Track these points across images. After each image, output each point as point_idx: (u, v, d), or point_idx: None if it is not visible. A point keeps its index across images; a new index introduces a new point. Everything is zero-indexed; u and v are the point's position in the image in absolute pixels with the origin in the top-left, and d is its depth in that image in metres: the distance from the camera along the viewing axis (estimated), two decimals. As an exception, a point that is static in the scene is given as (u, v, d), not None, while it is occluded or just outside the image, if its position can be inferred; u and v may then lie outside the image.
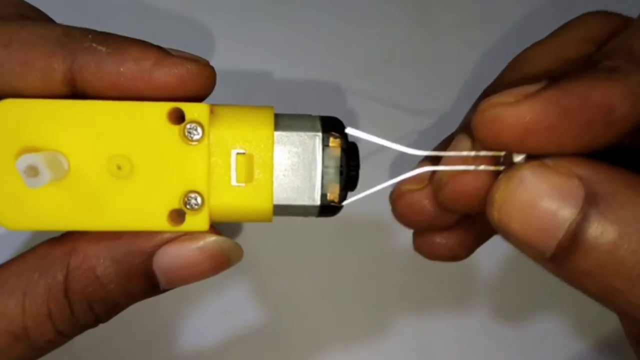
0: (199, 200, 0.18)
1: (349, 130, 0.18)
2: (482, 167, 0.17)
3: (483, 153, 0.17)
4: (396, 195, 0.21)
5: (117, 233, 0.18)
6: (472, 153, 0.17)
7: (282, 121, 0.19)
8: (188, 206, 0.18)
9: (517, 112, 0.15)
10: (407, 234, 0.32)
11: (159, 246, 0.19)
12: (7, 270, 0.18)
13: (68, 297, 0.18)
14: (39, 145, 0.17)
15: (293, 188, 0.19)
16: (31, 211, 0.17)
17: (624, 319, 0.22)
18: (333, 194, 0.19)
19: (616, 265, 0.14)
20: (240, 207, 0.18)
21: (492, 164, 0.17)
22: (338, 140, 0.19)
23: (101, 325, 0.20)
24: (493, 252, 0.32)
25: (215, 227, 0.19)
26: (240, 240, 0.31)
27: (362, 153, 0.19)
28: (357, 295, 0.33)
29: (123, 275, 0.19)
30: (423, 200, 0.20)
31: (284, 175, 0.19)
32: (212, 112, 0.18)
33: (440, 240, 0.21)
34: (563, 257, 0.15)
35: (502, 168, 0.17)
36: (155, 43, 0.19)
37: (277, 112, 0.19)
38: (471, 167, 0.17)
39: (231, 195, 0.18)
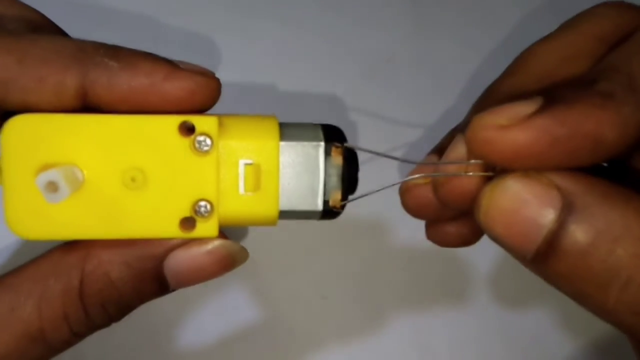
0: (209, 208, 0.19)
1: (348, 145, 0.19)
2: (471, 174, 0.18)
3: (473, 161, 0.18)
4: (404, 189, 0.22)
5: (130, 240, 0.19)
6: (464, 162, 0.18)
7: (286, 131, 0.20)
8: (198, 214, 0.19)
9: (508, 139, 0.16)
10: (406, 234, 0.33)
11: (170, 251, 0.19)
12: (22, 275, 0.19)
13: (83, 300, 0.19)
14: (54, 158, 0.18)
15: (297, 195, 0.20)
16: (48, 222, 0.18)
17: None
18: (335, 200, 0.20)
19: (587, 271, 0.15)
20: (248, 214, 0.19)
21: (485, 169, 0.18)
22: (339, 149, 0.20)
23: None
24: (492, 251, 0.33)
25: (222, 231, 0.20)
26: (241, 240, 0.32)
27: (363, 154, 0.20)
28: (357, 295, 0.33)
29: (136, 279, 0.19)
30: (429, 194, 0.21)
31: (289, 183, 0.20)
32: (220, 123, 0.19)
33: (451, 229, 0.22)
34: (541, 261, 0.16)
35: (491, 174, 0.18)
36: (158, 51, 0.19)
37: (280, 118, 0.20)
38: (462, 173, 0.18)
39: (239, 203, 0.19)
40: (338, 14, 0.35)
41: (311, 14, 0.35)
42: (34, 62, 0.17)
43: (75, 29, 0.22)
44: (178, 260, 0.20)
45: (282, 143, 0.19)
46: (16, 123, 0.18)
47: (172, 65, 0.19)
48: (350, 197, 0.20)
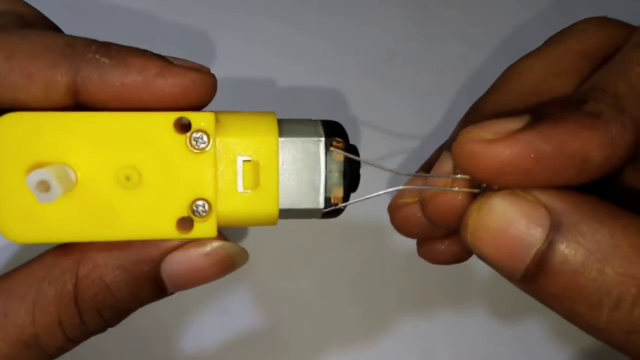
0: (207, 207, 0.18)
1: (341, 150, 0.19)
2: (456, 189, 0.18)
3: (460, 176, 0.18)
4: (393, 209, 0.22)
5: (125, 242, 0.18)
6: (451, 176, 0.18)
7: (285, 127, 0.19)
8: (196, 214, 0.18)
9: (493, 153, 0.16)
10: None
11: (167, 253, 0.19)
12: (15, 279, 0.18)
13: (78, 305, 0.18)
14: (45, 158, 0.17)
15: (298, 192, 0.19)
16: (40, 224, 0.17)
17: None
18: (337, 197, 0.19)
19: (578, 290, 0.15)
20: (247, 213, 0.19)
21: (471, 186, 0.18)
22: (340, 145, 0.19)
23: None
24: None
25: (221, 231, 0.19)
26: (240, 240, 0.31)
27: (363, 155, 0.20)
28: (357, 295, 0.33)
29: (132, 283, 0.19)
30: (418, 213, 0.21)
31: (289, 180, 0.19)
32: (217, 120, 0.18)
33: (443, 247, 0.22)
34: (530, 280, 0.16)
35: (477, 191, 0.18)
36: (155, 48, 0.19)
37: (279, 116, 0.19)
38: (447, 189, 0.18)
39: (238, 201, 0.19)
40: (338, 13, 0.35)
41: (311, 13, 0.35)
42: (22, 58, 0.17)
43: (70, 26, 0.21)
44: (175, 263, 0.19)
45: (282, 139, 0.19)
46: (5, 122, 0.17)
47: (165, 61, 0.18)
48: (351, 199, 0.20)
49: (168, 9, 0.34)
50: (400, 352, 0.33)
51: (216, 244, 0.19)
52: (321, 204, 0.19)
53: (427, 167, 0.21)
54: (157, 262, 0.19)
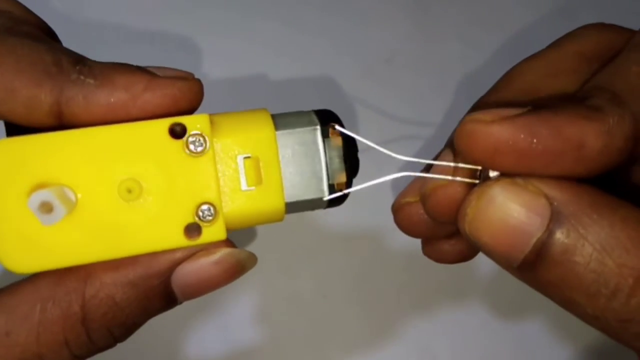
0: (212, 210, 0.18)
1: (339, 128, 0.19)
2: (458, 179, 0.18)
3: (461, 165, 0.18)
4: (396, 208, 0.22)
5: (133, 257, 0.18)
6: (452, 164, 0.18)
7: (280, 120, 0.19)
8: (202, 218, 0.18)
9: (489, 131, 0.16)
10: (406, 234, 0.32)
11: (177, 264, 0.18)
12: (17, 296, 0.18)
13: (86, 324, 0.18)
14: (42, 181, 0.17)
15: (301, 184, 0.19)
16: (44, 250, 0.17)
17: None
18: (340, 183, 0.19)
19: (576, 280, 0.15)
20: (253, 210, 0.18)
21: (471, 177, 0.18)
22: (337, 130, 0.19)
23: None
24: None
25: (228, 237, 0.19)
26: (240, 240, 0.31)
27: (364, 146, 0.20)
28: (358, 295, 0.33)
29: (142, 298, 0.18)
30: (420, 211, 0.21)
31: (290, 172, 0.19)
32: (211, 121, 0.18)
33: (448, 247, 0.22)
34: (529, 269, 0.16)
35: (477, 181, 0.18)
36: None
37: (273, 112, 0.19)
38: (447, 177, 0.18)
39: (243, 200, 0.18)
40: (338, 13, 0.35)
41: (311, 14, 0.35)
42: (6, 71, 0.17)
43: (65, 25, 0.21)
44: (185, 274, 0.19)
45: (278, 132, 0.19)
46: None
47: (150, 75, 0.18)
48: (353, 185, 0.20)
49: (164, 8, 0.33)
50: (400, 352, 0.33)
51: (225, 251, 0.19)
52: (326, 192, 0.19)
53: (430, 167, 0.21)
54: (167, 275, 0.18)
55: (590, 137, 0.16)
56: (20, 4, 0.20)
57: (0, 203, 0.16)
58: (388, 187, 0.19)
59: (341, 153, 0.19)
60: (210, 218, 0.18)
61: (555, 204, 0.16)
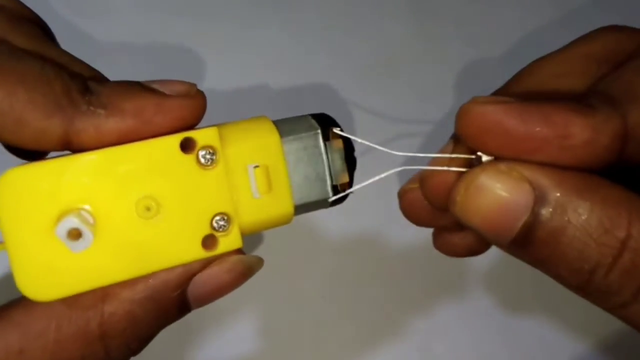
0: (227, 220, 0.18)
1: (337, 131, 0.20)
2: (453, 169, 0.19)
3: (455, 155, 0.19)
4: (401, 193, 0.23)
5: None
6: (448, 155, 0.19)
7: (281, 127, 0.20)
8: (218, 229, 0.18)
9: (482, 110, 0.17)
10: (406, 235, 0.34)
11: (193, 275, 0.19)
12: (32, 314, 0.18)
13: (104, 342, 0.18)
14: (60, 207, 0.16)
15: (306, 186, 0.20)
16: (67, 276, 0.17)
17: None
18: (343, 183, 0.20)
19: (561, 258, 0.17)
20: (265, 216, 0.19)
21: (468, 165, 0.19)
22: (336, 132, 0.20)
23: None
24: (494, 252, 0.33)
25: None
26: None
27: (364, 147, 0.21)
28: (357, 296, 0.33)
29: (161, 311, 0.19)
30: (421, 198, 0.22)
31: (297, 177, 0.20)
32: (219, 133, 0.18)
33: (458, 240, 0.23)
34: (518, 247, 0.18)
35: (465, 169, 0.19)
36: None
37: (272, 112, 0.20)
38: (443, 168, 0.19)
39: (256, 207, 0.19)
40: (337, 13, 0.35)
41: (310, 15, 0.34)
42: (17, 102, 0.16)
43: (68, 33, 0.20)
44: (201, 285, 0.19)
45: (283, 139, 0.19)
46: (8, 179, 0.16)
47: (158, 97, 0.18)
48: (354, 185, 0.21)
49: (164, 17, 0.33)
50: (400, 353, 0.33)
51: (236, 258, 0.19)
52: (330, 193, 0.20)
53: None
54: (184, 286, 0.19)
55: (576, 128, 0.17)
56: (27, 8, 0.19)
57: (16, 235, 0.16)
58: (388, 188, 0.20)
59: (342, 154, 0.20)
60: (226, 228, 0.18)
61: (539, 188, 0.17)
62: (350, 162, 0.20)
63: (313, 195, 0.20)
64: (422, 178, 0.21)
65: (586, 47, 0.21)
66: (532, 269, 0.18)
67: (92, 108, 0.17)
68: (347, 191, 0.20)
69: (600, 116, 0.17)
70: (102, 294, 0.18)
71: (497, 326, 0.34)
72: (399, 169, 0.20)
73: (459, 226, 0.23)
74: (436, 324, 0.34)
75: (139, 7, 0.33)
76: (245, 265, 0.20)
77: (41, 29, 0.20)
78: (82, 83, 0.17)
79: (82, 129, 0.17)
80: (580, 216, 0.17)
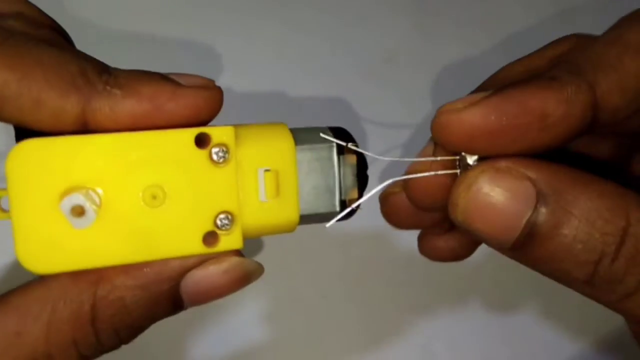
0: (231, 219, 0.18)
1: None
2: (440, 172, 0.19)
3: (440, 158, 0.19)
4: (382, 198, 0.23)
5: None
6: (431, 159, 0.20)
7: (298, 135, 0.20)
8: (221, 227, 0.18)
9: (461, 119, 0.17)
10: (406, 235, 0.34)
11: (187, 271, 0.19)
12: (29, 296, 0.18)
13: (95, 325, 0.18)
14: (68, 183, 0.17)
15: (315, 198, 0.20)
16: (67, 252, 0.17)
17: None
18: (352, 199, 0.20)
19: (566, 251, 0.17)
20: (269, 222, 0.19)
21: (450, 166, 0.19)
22: (352, 148, 0.20)
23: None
24: (492, 252, 0.34)
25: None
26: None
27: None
28: (357, 295, 0.33)
29: (151, 301, 0.19)
30: (404, 200, 0.22)
31: (306, 187, 0.20)
32: (235, 133, 0.18)
33: (442, 243, 0.24)
34: (521, 248, 0.17)
35: (457, 172, 0.19)
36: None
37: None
38: (430, 173, 0.20)
39: (260, 211, 0.19)
40: (337, 13, 0.35)
41: (310, 14, 0.35)
42: (34, 82, 0.17)
43: (78, 38, 0.21)
44: (195, 281, 0.19)
45: (297, 147, 0.19)
46: (23, 150, 0.16)
47: (174, 85, 0.18)
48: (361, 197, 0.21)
49: (169, 15, 0.33)
50: (400, 352, 0.33)
51: (234, 260, 0.19)
52: (337, 207, 0.20)
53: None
54: (177, 280, 0.19)
55: (551, 106, 0.17)
56: (34, 5, 0.20)
57: (23, 204, 0.16)
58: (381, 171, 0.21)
59: (354, 170, 0.20)
60: (229, 227, 0.18)
61: (539, 184, 0.17)
62: (361, 178, 0.20)
63: (320, 207, 0.20)
64: (406, 181, 0.21)
65: (553, 51, 0.22)
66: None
67: (108, 88, 0.17)
68: (353, 206, 0.20)
69: (570, 87, 0.17)
70: (97, 277, 0.18)
71: (497, 326, 0.34)
72: (396, 179, 0.20)
73: (442, 228, 0.23)
74: (436, 324, 0.34)
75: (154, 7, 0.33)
76: (243, 270, 0.19)
77: (61, 36, 0.20)
78: (99, 65, 0.18)
79: (98, 108, 0.17)
80: (581, 208, 0.17)
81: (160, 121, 0.18)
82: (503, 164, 0.18)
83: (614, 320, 0.17)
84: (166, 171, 0.18)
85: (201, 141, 0.18)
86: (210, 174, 0.18)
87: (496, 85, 0.22)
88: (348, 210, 0.20)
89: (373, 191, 0.20)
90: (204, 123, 0.19)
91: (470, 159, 0.18)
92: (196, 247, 0.18)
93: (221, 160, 0.18)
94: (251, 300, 0.32)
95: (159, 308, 0.19)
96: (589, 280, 0.17)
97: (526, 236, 0.17)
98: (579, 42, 0.22)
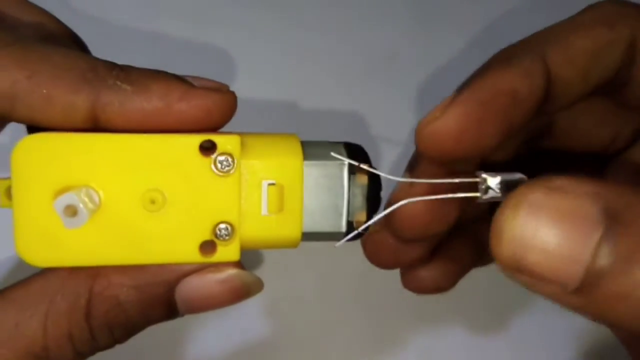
0: (230, 230, 0.18)
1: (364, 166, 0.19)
2: (460, 195, 0.17)
3: (458, 180, 0.17)
4: (363, 240, 0.23)
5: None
6: (448, 180, 0.18)
7: (308, 149, 0.19)
8: (219, 237, 0.18)
9: (445, 122, 0.18)
10: None
11: (183, 277, 0.19)
12: (28, 291, 0.18)
13: (89, 321, 0.18)
14: (70, 180, 0.17)
15: (320, 216, 0.19)
16: (63, 248, 0.17)
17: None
18: (359, 221, 0.19)
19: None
20: (270, 236, 0.19)
21: (430, 190, 0.19)
22: (364, 168, 0.19)
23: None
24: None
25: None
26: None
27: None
28: (357, 296, 0.33)
29: (145, 303, 0.19)
30: (387, 238, 0.22)
31: (312, 204, 0.19)
32: (241, 142, 0.18)
33: (424, 273, 0.23)
34: (592, 285, 0.13)
35: (478, 194, 0.17)
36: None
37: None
38: (448, 196, 0.18)
39: (261, 225, 0.18)
40: (339, 11, 0.35)
41: (312, 12, 0.34)
42: (43, 79, 0.17)
43: (89, 42, 0.21)
44: (190, 288, 0.19)
45: (306, 162, 0.19)
46: (29, 143, 0.17)
47: (186, 84, 0.18)
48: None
49: (175, 18, 0.33)
50: (400, 352, 0.33)
51: (232, 271, 0.19)
52: (343, 228, 0.19)
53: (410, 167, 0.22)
54: (173, 286, 0.19)
55: (517, 82, 0.18)
56: (52, 16, 0.20)
57: (25, 197, 0.17)
58: (388, 187, 0.20)
59: (365, 192, 0.19)
60: (227, 238, 0.18)
61: (604, 201, 0.13)
62: (372, 200, 0.19)
63: (325, 226, 0.19)
64: (391, 212, 0.19)
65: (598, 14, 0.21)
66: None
67: (118, 83, 0.17)
68: (360, 230, 0.19)
69: (526, 62, 0.18)
70: (94, 273, 0.18)
71: (497, 329, 0.34)
72: (409, 200, 0.19)
73: (424, 260, 0.23)
74: (436, 325, 0.33)
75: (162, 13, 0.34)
76: (241, 281, 0.19)
77: (77, 45, 0.20)
78: (111, 63, 0.18)
79: (107, 103, 0.17)
80: None
81: (171, 122, 0.18)
82: (558, 180, 0.14)
83: (603, 331, 0.16)
84: (168, 176, 0.17)
85: (207, 148, 0.18)
86: (213, 183, 0.18)
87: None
88: (354, 233, 0.19)
89: (383, 214, 0.19)
90: (216, 128, 0.18)
91: (493, 181, 0.16)
92: (192, 255, 0.18)
93: (225, 169, 0.18)
94: (251, 301, 0.32)
95: (154, 311, 0.19)
96: None
97: (599, 268, 0.13)
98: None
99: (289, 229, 0.19)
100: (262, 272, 0.32)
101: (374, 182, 0.19)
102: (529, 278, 0.14)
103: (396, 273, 0.33)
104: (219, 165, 0.18)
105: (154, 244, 0.18)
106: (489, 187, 0.17)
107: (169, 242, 0.18)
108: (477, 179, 0.17)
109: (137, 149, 0.17)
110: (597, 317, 0.14)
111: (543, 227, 0.13)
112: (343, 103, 0.34)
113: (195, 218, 0.18)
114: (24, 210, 0.17)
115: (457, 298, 0.33)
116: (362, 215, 0.19)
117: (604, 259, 0.13)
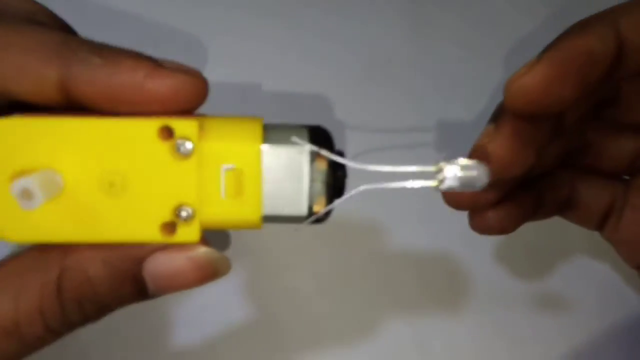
0: (190, 212, 0.18)
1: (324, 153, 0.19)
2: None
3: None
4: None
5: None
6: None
7: (271, 133, 0.19)
8: (180, 218, 0.18)
9: (532, 77, 0.19)
10: (405, 234, 0.33)
11: (151, 253, 0.19)
12: (3, 268, 0.19)
13: (60, 295, 0.19)
14: (32, 163, 0.18)
15: (281, 199, 0.19)
16: (27, 226, 0.18)
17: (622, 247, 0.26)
18: (319, 206, 0.19)
19: None
20: (230, 219, 0.19)
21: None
22: (324, 159, 0.19)
23: (106, 320, 0.21)
24: (490, 251, 0.33)
25: (206, 238, 0.20)
26: (239, 238, 0.31)
27: (357, 151, 0.20)
28: (356, 295, 0.33)
29: (114, 279, 0.19)
30: None
31: (272, 187, 0.19)
32: (201, 126, 0.18)
33: (492, 214, 0.24)
34: None
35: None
36: (149, 52, 0.19)
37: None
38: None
39: (221, 208, 0.19)
40: (336, 14, 0.34)
41: (309, 14, 0.34)
42: (16, 51, 0.17)
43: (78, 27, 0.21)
44: (157, 264, 0.19)
45: (266, 146, 0.19)
46: None
47: (155, 63, 0.18)
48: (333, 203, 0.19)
49: (164, 9, 0.34)
50: (399, 351, 0.33)
51: (199, 249, 0.19)
52: (304, 212, 0.19)
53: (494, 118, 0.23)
54: (140, 262, 0.19)
55: (593, 43, 0.20)
56: (47, 9, 0.21)
57: None
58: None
59: (325, 177, 0.19)
60: (188, 219, 0.19)
61: None
62: (334, 187, 0.19)
63: (285, 210, 0.19)
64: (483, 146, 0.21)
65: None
66: (527, 266, 0.17)
67: (89, 55, 0.18)
68: (319, 214, 0.19)
69: (599, 27, 0.20)
70: (66, 249, 0.19)
71: (495, 325, 0.33)
72: (363, 187, 0.19)
73: (487, 202, 0.24)
74: (434, 323, 0.33)
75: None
76: (207, 258, 0.20)
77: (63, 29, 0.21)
78: (85, 38, 0.18)
79: (77, 75, 0.17)
80: None
81: (139, 99, 0.18)
82: None
83: (614, 320, 0.16)
84: (126, 160, 0.18)
85: (166, 132, 0.18)
86: (171, 166, 0.18)
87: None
88: (313, 218, 0.19)
89: (342, 199, 0.19)
90: (187, 111, 0.19)
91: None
92: (153, 234, 0.19)
93: (184, 153, 0.18)
94: (249, 298, 0.33)
95: (122, 287, 0.19)
96: None
97: None
98: None
99: (249, 212, 0.19)
100: (258, 270, 0.32)
101: (337, 167, 0.19)
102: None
103: (396, 267, 0.34)
104: (177, 149, 0.18)
105: (114, 224, 0.18)
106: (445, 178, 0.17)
107: (128, 222, 0.18)
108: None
109: (97, 133, 0.18)
110: None
111: None
112: (338, 106, 0.33)
113: (155, 200, 0.18)
114: None
115: (455, 293, 0.33)
116: (322, 201, 0.19)
117: None
